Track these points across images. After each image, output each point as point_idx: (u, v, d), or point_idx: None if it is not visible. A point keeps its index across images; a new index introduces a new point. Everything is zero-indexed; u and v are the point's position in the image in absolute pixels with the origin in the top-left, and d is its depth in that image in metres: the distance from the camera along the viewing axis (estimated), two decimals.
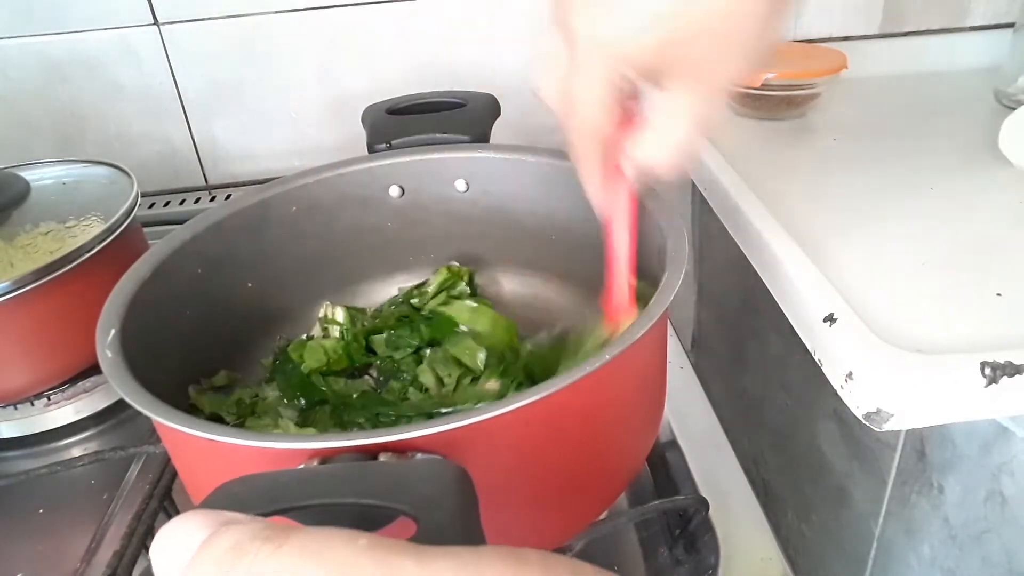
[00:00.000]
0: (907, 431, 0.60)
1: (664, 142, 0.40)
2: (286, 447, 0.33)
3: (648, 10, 0.34)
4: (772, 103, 0.76)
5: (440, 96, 0.71)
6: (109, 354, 0.41)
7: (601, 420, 0.41)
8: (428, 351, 0.59)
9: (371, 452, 0.32)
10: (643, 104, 0.40)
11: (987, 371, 0.44)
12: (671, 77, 0.37)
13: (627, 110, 0.40)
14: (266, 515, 0.25)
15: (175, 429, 0.35)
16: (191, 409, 0.51)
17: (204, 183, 0.99)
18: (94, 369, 0.63)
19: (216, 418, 0.52)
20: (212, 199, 0.96)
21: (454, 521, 0.23)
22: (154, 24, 0.89)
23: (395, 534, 0.22)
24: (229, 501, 0.25)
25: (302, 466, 0.32)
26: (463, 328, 0.59)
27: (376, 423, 0.52)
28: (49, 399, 0.64)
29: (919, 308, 0.49)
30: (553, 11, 0.38)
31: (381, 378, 0.58)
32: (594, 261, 0.59)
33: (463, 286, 0.62)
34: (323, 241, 0.60)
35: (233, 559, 0.18)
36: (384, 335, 0.60)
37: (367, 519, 0.25)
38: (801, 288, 0.51)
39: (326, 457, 0.32)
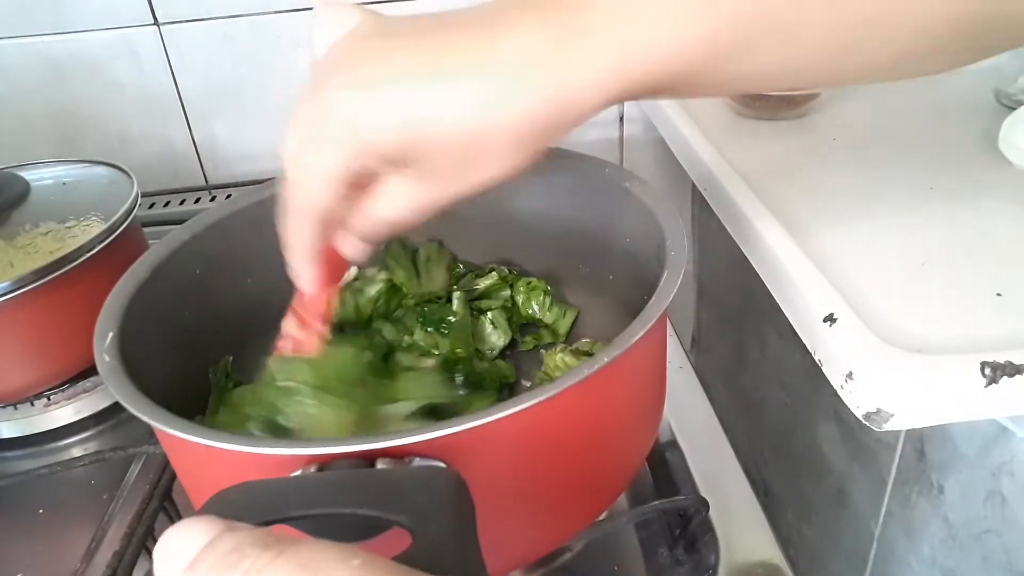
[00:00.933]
0: (907, 431, 0.60)
1: (383, 212, 0.39)
2: (283, 453, 0.33)
3: (402, 112, 0.34)
4: (772, 103, 0.75)
5: None
6: (107, 358, 0.41)
7: (601, 420, 0.41)
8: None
9: (368, 458, 0.32)
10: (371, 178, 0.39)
11: (987, 371, 0.44)
12: (408, 166, 0.37)
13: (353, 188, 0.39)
14: (263, 525, 0.25)
15: (172, 434, 0.35)
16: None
17: (204, 183, 0.99)
18: (94, 369, 0.62)
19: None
20: (212, 199, 0.96)
21: (449, 532, 0.23)
22: (154, 24, 0.89)
23: (391, 541, 0.22)
24: (227, 509, 0.25)
25: (299, 472, 0.32)
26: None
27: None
28: (49, 399, 0.65)
29: (919, 308, 0.49)
30: (312, 74, 0.37)
31: None
32: (595, 261, 0.59)
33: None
34: None
35: (232, 562, 0.19)
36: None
37: (364, 528, 0.25)
38: (801, 288, 0.51)
39: (324, 463, 0.33)
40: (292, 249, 0.42)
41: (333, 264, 0.44)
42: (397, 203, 0.38)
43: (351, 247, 0.43)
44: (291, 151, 0.38)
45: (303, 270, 0.43)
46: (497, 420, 0.34)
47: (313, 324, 0.47)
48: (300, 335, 0.48)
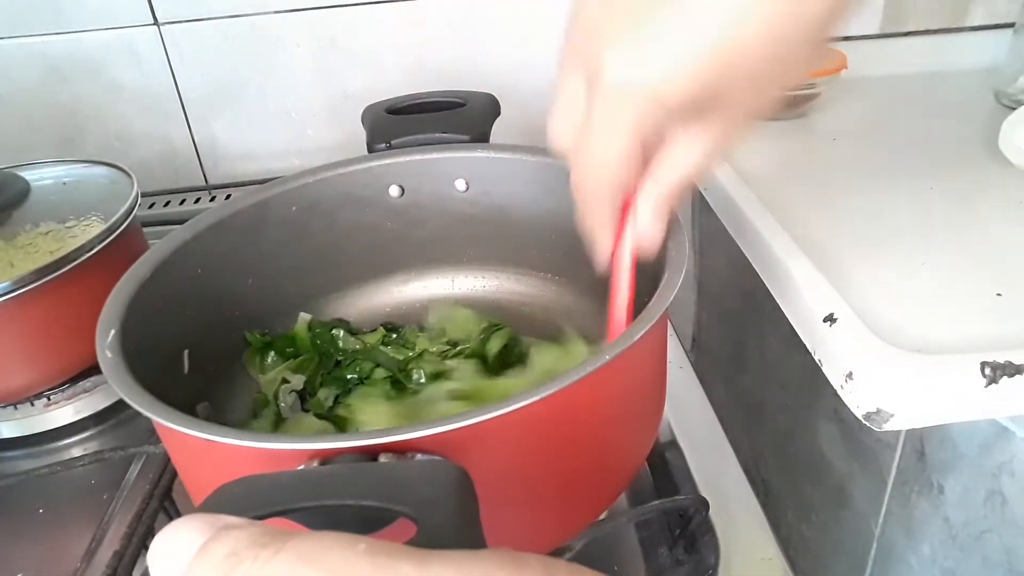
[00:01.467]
0: (907, 431, 0.60)
1: (682, 172, 0.37)
2: (286, 448, 0.33)
3: (686, 51, 0.31)
4: None
5: (440, 96, 0.71)
6: (109, 354, 0.41)
7: (601, 420, 0.41)
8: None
9: (371, 453, 0.32)
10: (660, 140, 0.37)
11: (987, 371, 0.44)
12: (701, 113, 0.34)
13: (646, 155, 0.37)
14: (266, 517, 0.25)
15: (174, 429, 0.35)
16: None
17: (204, 183, 0.99)
18: (94, 369, 0.63)
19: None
20: (212, 199, 0.96)
21: (454, 522, 0.23)
22: (154, 24, 0.89)
23: (395, 535, 0.22)
24: (229, 503, 0.25)
25: (302, 467, 0.32)
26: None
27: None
28: (49, 399, 0.64)
29: (919, 308, 0.49)
30: (571, 48, 0.35)
31: None
32: (593, 260, 0.59)
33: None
34: (323, 241, 0.60)
35: (230, 565, 0.18)
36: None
37: (367, 520, 0.25)
38: (801, 288, 0.51)
39: (326, 458, 0.33)
40: (595, 236, 0.41)
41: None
42: (696, 153, 0.36)
43: (649, 224, 0.40)
44: (569, 139, 0.36)
45: (604, 252, 0.42)
46: (497, 417, 0.34)
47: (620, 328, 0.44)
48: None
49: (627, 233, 0.42)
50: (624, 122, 0.33)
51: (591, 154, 0.36)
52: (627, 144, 0.34)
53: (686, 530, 0.51)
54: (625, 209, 0.40)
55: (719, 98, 0.33)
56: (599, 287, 0.59)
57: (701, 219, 0.92)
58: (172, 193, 0.97)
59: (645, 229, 0.40)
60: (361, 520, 0.26)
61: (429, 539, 0.22)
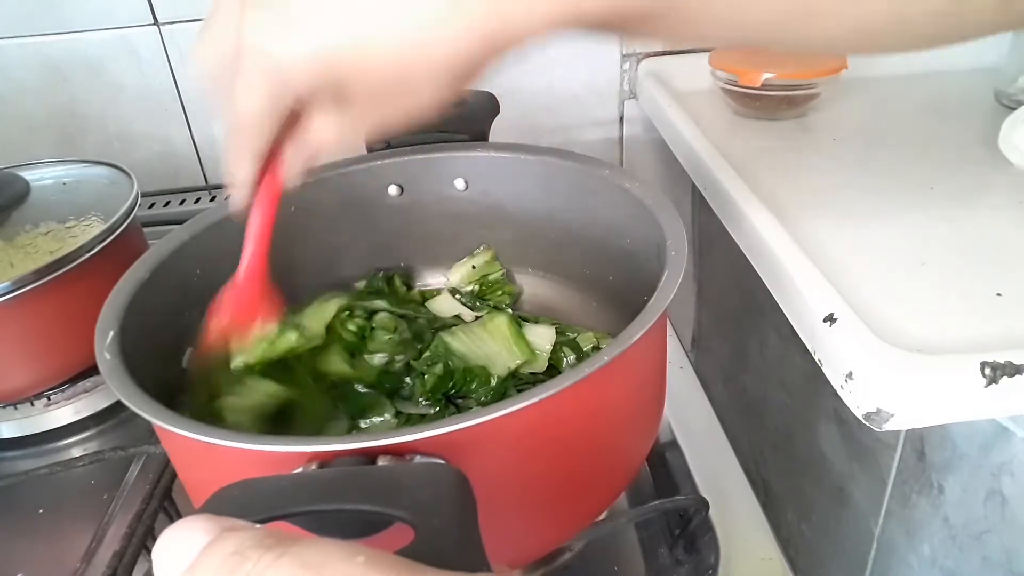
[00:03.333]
0: (907, 431, 0.60)
1: (313, 148, 0.40)
2: (285, 450, 0.33)
3: (317, 44, 0.33)
4: (772, 103, 0.75)
5: None
6: (108, 356, 0.41)
7: (601, 420, 0.41)
8: None
9: (370, 455, 0.32)
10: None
11: (987, 371, 0.44)
12: (332, 100, 0.36)
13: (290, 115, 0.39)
14: (265, 521, 0.25)
15: (173, 432, 0.35)
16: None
17: (204, 183, 0.99)
18: (94, 369, 0.62)
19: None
20: (212, 199, 0.96)
21: (452, 527, 0.23)
22: (154, 24, 0.89)
23: (393, 539, 0.22)
24: (228, 506, 0.25)
25: (300, 470, 0.32)
26: None
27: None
28: (49, 399, 0.64)
29: (919, 308, 0.49)
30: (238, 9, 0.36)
31: None
32: (593, 259, 0.59)
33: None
34: (322, 241, 0.60)
35: (234, 565, 0.19)
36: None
37: (365, 524, 0.25)
38: (801, 288, 0.51)
39: (325, 460, 0.32)
40: (232, 179, 0.42)
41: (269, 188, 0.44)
42: (322, 135, 0.38)
43: (290, 176, 0.43)
44: (211, 65, 0.37)
45: (239, 195, 0.43)
46: (497, 418, 0.34)
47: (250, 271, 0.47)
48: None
49: (273, 183, 0.43)
50: (257, 88, 0.36)
51: (234, 109, 0.38)
52: (259, 107, 0.36)
53: (686, 530, 0.51)
54: (270, 159, 0.42)
55: (342, 93, 0.35)
56: (598, 286, 0.59)
57: (701, 219, 0.92)
58: (172, 193, 0.97)
59: (288, 180, 0.43)
60: (360, 524, 0.26)
61: (427, 544, 0.22)
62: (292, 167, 0.42)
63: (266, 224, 0.45)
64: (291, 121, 0.39)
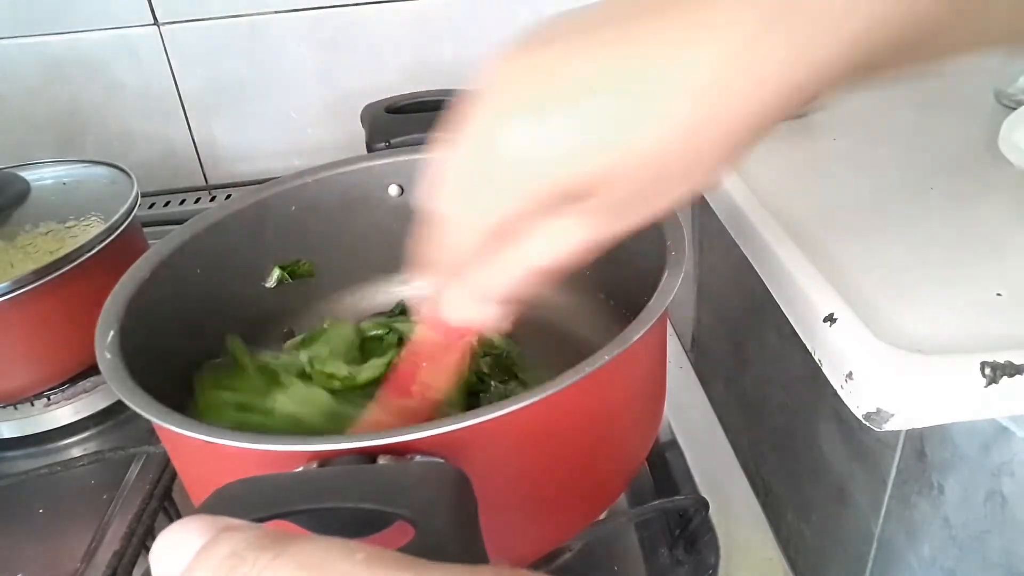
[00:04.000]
0: (907, 431, 0.60)
1: (540, 258, 0.33)
2: (285, 449, 0.33)
3: (599, 133, 0.28)
4: None
5: (439, 95, 0.71)
6: (108, 356, 0.41)
7: (601, 420, 0.41)
8: None
9: (370, 454, 0.32)
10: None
11: (987, 371, 0.44)
12: (584, 202, 0.30)
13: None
14: (265, 519, 0.25)
15: (174, 431, 0.35)
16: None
17: (204, 183, 0.99)
18: (94, 369, 0.63)
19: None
20: (212, 199, 0.96)
21: (452, 526, 0.23)
22: (154, 24, 0.89)
23: (393, 538, 0.22)
24: (228, 504, 0.25)
25: (301, 468, 0.32)
26: None
27: None
28: (49, 399, 0.64)
29: (919, 308, 0.49)
30: (471, 111, 0.31)
31: None
32: (594, 261, 0.59)
33: None
34: (323, 241, 0.60)
35: (230, 567, 0.19)
36: None
37: (366, 523, 0.25)
38: (801, 288, 0.51)
39: (325, 459, 0.33)
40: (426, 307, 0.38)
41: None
42: (562, 244, 0.32)
43: (470, 309, 0.36)
44: (450, 203, 0.33)
45: (430, 329, 0.38)
46: (497, 418, 0.34)
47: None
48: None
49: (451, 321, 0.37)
50: (501, 194, 0.31)
51: (459, 218, 0.33)
52: (496, 216, 0.31)
53: (686, 530, 0.51)
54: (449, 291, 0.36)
55: (607, 191, 0.30)
56: (598, 287, 0.59)
57: (701, 219, 0.92)
58: (172, 193, 0.97)
59: (477, 314, 0.36)
60: (360, 522, 0.26)
61: (427, 543, 0.22)
62: (490, 289, 0.34)
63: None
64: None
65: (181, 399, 0.51)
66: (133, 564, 0.52)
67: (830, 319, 0.48)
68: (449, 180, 0.32)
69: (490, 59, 0.30)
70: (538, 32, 0.29)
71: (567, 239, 0.32)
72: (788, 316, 0.54)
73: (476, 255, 0.33)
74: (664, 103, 0.27)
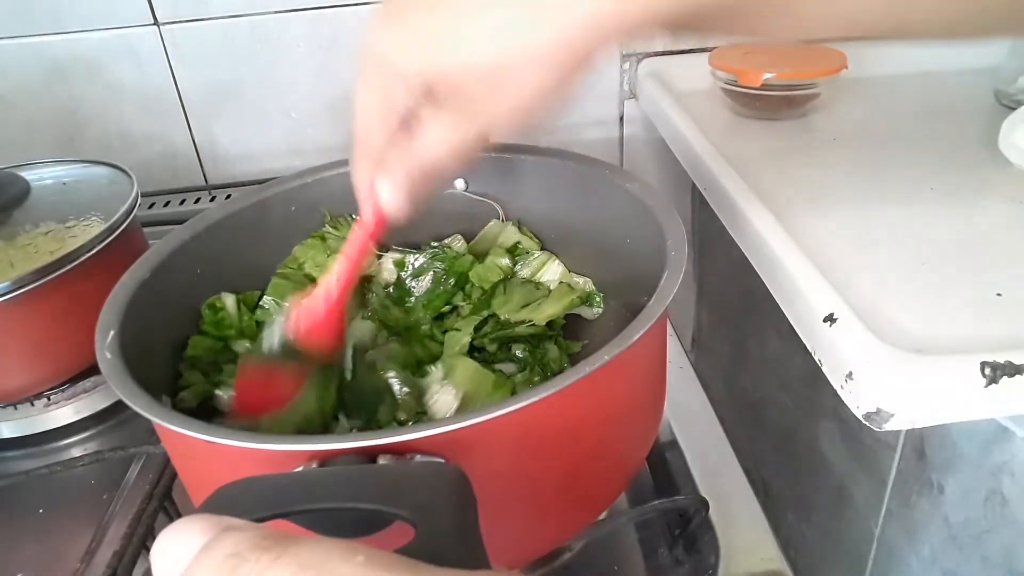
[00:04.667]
0: (907, 431, 0.60)
1: (418, 150, 0.40)
2: (285, 449, 0.33)
3: (428, 33, 0.35)
4: (772, 103, 0.75)
5: None
6: (108, 355, 0.41)
7: (601, 420, 0.41)
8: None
9: (370, 454, 0.32)
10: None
11: (987, 371, 0.44)
12: (443, 104, 0.38)
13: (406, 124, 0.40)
14: (265, 519, 0.25)
15: (174, 431, 0.35)
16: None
17: (204, 183, 0.99)
18: (94, 369, 0.63)
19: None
20: (212, 199, 0.96)
21: (452, 526, 0.23)
22: (154, 24, 0.89)
23: (393, 538, 0.22)
24: (228, 505, 0.25)
25: (301, 468, 0.32)
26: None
27: None
28: (49, 399, 0.64)
29: (919, 308, 0.49)
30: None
31: None
32: (592, 260, 0.59)
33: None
34: None
35: (231, 567, 0.18)
36: None
37: (366, 523, 0.25)
38: (801, 288, 0.51)
39: (325, 459, 0.33)
40: (355, 184, 0.44)
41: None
42: (440, 140, 0.39)
43: (383, 187, 0.42)
44: (358, 97, 0.40)
45: (362, 205, 0.44)
46: (497, 417, 0.34)
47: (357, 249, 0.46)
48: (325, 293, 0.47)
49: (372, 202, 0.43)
50: (371, 81, 0.39)
51: (352, 109, 0.40)
52: (372, 102, 0.39)
53: (686, 530, 0.51)
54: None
55: (451, 90, 0.37)
56: (598, 287, 0.59)
57: (701, 219, 0.92)
58: (172, 193, 0.97)
59: (380, 193, 0.42)
60: (360, 522, 0.26)
61: (427, 543, 0.22)
62: (392, 174, 0.42)
63: (362, 249, 0.45)
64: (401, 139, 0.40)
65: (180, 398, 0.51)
66: (133, 564, 0.52)
67: (830, 319, 0.48)
68: (363, 83, 0.40)
69: None
70: None
71: (440, 136, 0.39)
72: (788, 316, 0.54)
73: (377, 138, 0.40)
74: (479, 31, 0.34)
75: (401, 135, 0.39)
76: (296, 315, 0.47)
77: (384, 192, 0.42)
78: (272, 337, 0.47)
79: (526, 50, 0.34)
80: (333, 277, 0.46)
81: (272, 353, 0.46)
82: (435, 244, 0.61)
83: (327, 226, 0.60)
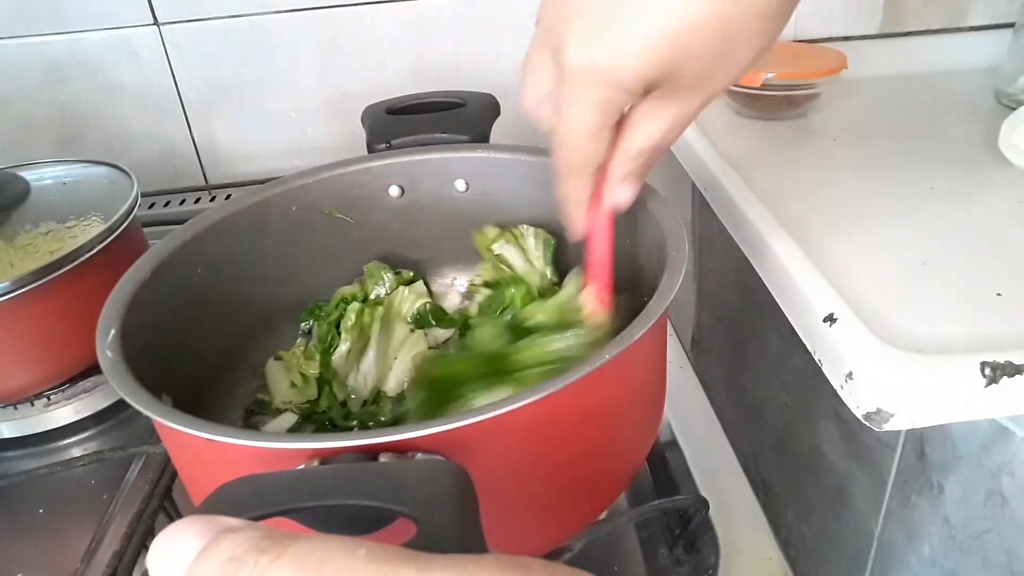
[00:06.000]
0: (907, 431, 0.60)
1: (645, 144, 0.39)
2: (286, 447, 0.33)
3: (642, 34, 0.33)
4: (772, 103, 0.75)
5: (440, 96, 0.70)
6: (109, 354, 0.41)
7: (601, 420, 0.41)
8: None
9: (371, 452, 0.32)
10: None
11: (987, 371, 0.44)
12: (659, 90, 0.36)
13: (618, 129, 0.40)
14: (266, 516, 0.25)
15: (175, 429, 0.35)
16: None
17: (204, 183, 0.99)
18: (94, 369, 0.63)
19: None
20: (212, 199, 0.96)
21: (454, 523, 0.23)
22: (154, 24, 0.89)
23: (395, 535, 0.22)
24: (229, 502, 0.25)
25: (302, 466, 0.32)
26: None
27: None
28: (49, 399, 0.64)
29: (919, 308, 0.49)
30: (540, 32, 0.37)
31: None
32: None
33: None
34: (323, 241, 0.60)
35: (230, 570, 0.18)
36: None
37: (367, 520, 0.25)
38: (801, 288, 0.51)
39: (326, 457, 0.33)
40: (568, 206, 0.43)
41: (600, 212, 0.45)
42: (654, 128, 0.38)
43: (620, 191, 0.43)
44: (539, 106, 0.39)
45: (578, 221, 0.44)
46: (497, 416, 0.34)
47: (599, 280, 0.48)
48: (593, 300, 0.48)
49: (603, 202, 0.44)
50: (586, 102, 0.36)
51: (561, 132, 0.38)
52: (591, 122, 0.37)
53: (686, 530, 0.51)
54: (600, 180, 0.43)
55: (672, 77, 0.35)
56: None
57: (701, 219, 0.92)
58: (172, 193, 0.97)
59: (617, 197, 0.43)
60: (361, 520, 0.26)
61: (429, 539, 0.22)
62: (625, 176, 0.41)
63: (610, 245, 0.46)
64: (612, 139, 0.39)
65: (181, 398, 0.51)
66: (133, 564, 0.52)
67: (830, 319, 0.48)
68: (544, 97, 0.38)
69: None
70: None
71: (665, 123, 0.38)
72: (788, 316, 0.54)
73: (601, 153, 0.39)
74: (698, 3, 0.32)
75: (607, 136, 0.38)
76: (591, 293, 0.48)
77: (626, 195, 0.43)
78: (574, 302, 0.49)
79: (751, 5, 0.33)
80: (597, 266, 0.47)
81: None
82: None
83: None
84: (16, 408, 0.64)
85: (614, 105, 0.36)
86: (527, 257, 0.60)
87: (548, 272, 0.60)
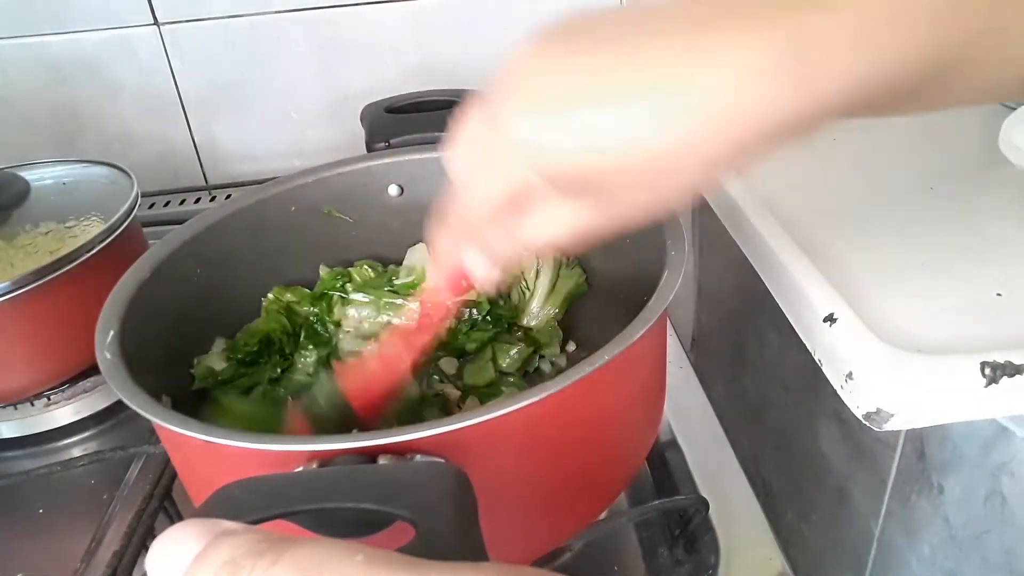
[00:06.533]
0: (907, 431, 0.60)
1: (533, 240, 0.37)
2: (285, 449, 0.33)
3: (596, 135, 0.31)
4: None
5: (439, 95, 0.71)
6: (108, 355, 0.41)
7: (601, 420, 0.41)
8: None
9: (370, 454, 0.32)
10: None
11: (987, 371, 0.44)
12: (578, 190, 0.34)
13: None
14: (265, 519, 0.25)
15: (174, 431, 0.35)
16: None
17: (204, 183, 0.99)
18: (94, 369, 0.63)
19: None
20: (212, 199, 0.96)
21: (452, 526, 0.23)
22: (154, 24, 0.89)
23: (394, 537, 0.21)
24: (228, 505, 0.25)
25: (301, 468, 0.32)
26: None
27: None
28: (49, 399, 0.64)
29: (919, 308, 0.49)
30: (490, 96, 0.34)
31: None
32: (595, 261, 0.59)
33: None
34: (323, 241, 0.60)
35: (228, 574, 0.18)
36: None
37: (366, 523, 0.25)
38: (801, 288, 0.51)
39: (325, 459, 0.33)
40: (435, 254, 0.41)
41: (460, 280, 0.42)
42: (557, 226, 0.36)
43: (482, 267, 0.40)
44: (461, 169, 0.36)
45: (438, 275, 0.42)
46: (497, 417, 0.34)
47: (428, 323, 0.47)
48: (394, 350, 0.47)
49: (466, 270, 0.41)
50: (506, 173, 0.34)
51: (469, 187, 0.37)
52: (501, 192, 0.35)
53: (686, 530, 0.51)
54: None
55: (600, 187, 0.33)
56: (599, 288, 0.59)
57: (701, 219, 0.92)
58: (172, 193, 0.97)
59: (476, 272, 0.40)
60: (360, 522, 0.26)
61: (427, 542, 0.22)
62: (498, 257, 0.39)
63: (443, 316, 0.47)
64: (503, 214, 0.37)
65: (181, 399, 0.51)
66: (133, 564, 0.52)
67: (830, 319, 0.48)
68: (469, 155, 0.36)
69: (514, 52, 0.33)
70: (558, 31, 0.32)
71: (564, 222, 0.35)
72: (788, 316, 0.54)
73: (488, 220, 0.36)
74: (674, 114, 0.29)
75: (504, 211, 0.36)
76: (356, 377, 0.47)
77: (480, 267, 0.40)
78: (321, 392, 0.47)
79: (717, 143, 0.30)
80: (403, 346, 0.46)
81: (318, 407, 0.47)
82: None
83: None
84: (16, 408, 0.64)
85: (527, 186, 0.34)
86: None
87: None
